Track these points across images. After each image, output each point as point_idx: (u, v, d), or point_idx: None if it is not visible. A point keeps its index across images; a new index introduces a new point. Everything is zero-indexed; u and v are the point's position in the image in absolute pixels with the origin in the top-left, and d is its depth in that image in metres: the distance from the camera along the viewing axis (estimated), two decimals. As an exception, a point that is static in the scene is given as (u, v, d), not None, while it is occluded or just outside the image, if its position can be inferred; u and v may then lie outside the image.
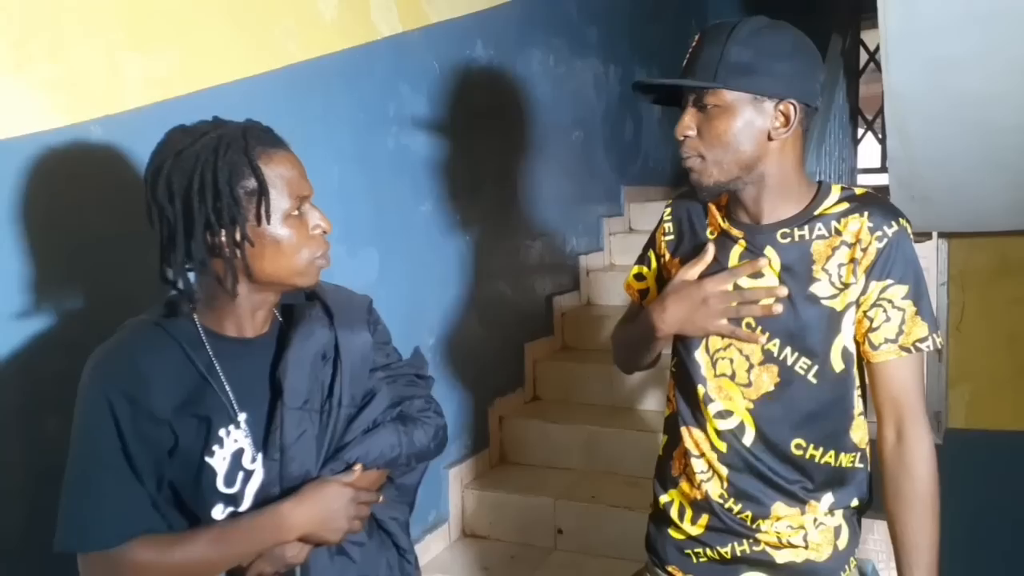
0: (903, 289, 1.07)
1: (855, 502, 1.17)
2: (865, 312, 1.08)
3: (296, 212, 1.01)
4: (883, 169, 4.01)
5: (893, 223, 1.07)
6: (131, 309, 1.40)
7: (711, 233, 1.21)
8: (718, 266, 1.16)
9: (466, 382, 2.71)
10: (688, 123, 1.10)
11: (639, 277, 1.36)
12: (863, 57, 4.12)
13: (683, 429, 1.21)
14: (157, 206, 0.97)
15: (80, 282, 1.38)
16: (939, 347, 1.09)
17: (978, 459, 3.73)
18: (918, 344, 1.07)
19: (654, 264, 1.34)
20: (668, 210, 1.31)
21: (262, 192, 0.97)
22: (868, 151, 4.65)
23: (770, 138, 1.08)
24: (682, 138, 1.11)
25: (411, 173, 2.40)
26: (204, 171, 0.96)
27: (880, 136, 4.17)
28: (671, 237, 1.28)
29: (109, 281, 1.42)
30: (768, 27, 1.07)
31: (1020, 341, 4.15)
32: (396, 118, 2.31)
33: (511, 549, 2.56)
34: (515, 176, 3.03)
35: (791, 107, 1.07)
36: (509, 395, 2.98)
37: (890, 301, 1.07)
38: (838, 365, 1.11)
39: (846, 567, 1.16)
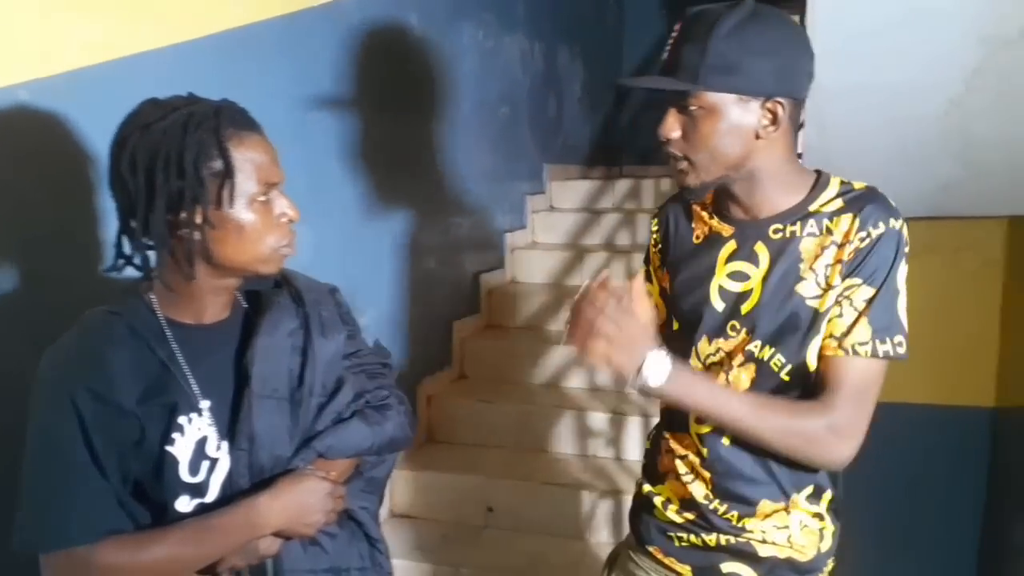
0: (868, 291, 1.02)
1: (829, 493, 1.17)
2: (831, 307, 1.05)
3: (263, 198, 0.98)
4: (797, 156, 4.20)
5: (881, 224, 1.02)
6: (64, 292, 1.31)
7: (696, 238, 1.18)
8: (707, 269, 1.14)
9: (395, 362, 2.67)
10: (671, 124, 1.05)
11: (649, 294, 1.27)
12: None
13: (667, 433, 1.21)
14: (119, 178, 0.94)
15: (8, 262, 1.26)
16: (888, 355, 1.02)
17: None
18: (857, 346, 1.02)
19: (656, 285, 1.27)
20: (655, 221, 1.27)
21: (228, 174, 0.94)
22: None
23: (758, 137, 1.03)
24: (665, 140, 1.07)
25: (346, 148, 2.32)
26: (170, 148, 0.92)
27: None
28: (658, 248, 1.25)
29: (38, 261, 1.31)
30: (751, 19, 1.01)
31: (911, 317, 4.44)
32: (331, 91, 2.22)
33: (442, 528, 2.57)
34: (446, 151, 2.98)
35: (779, 105, 1.02)
36: (437, 373, 2.96)
37: (850, 299, 1.03)
38: (812, 364, 1.08)
39: (826, 566, 1.18)
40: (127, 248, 0.97)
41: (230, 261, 0.98)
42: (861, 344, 1.02)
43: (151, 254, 0.97)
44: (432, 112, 2.86)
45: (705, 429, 1.14)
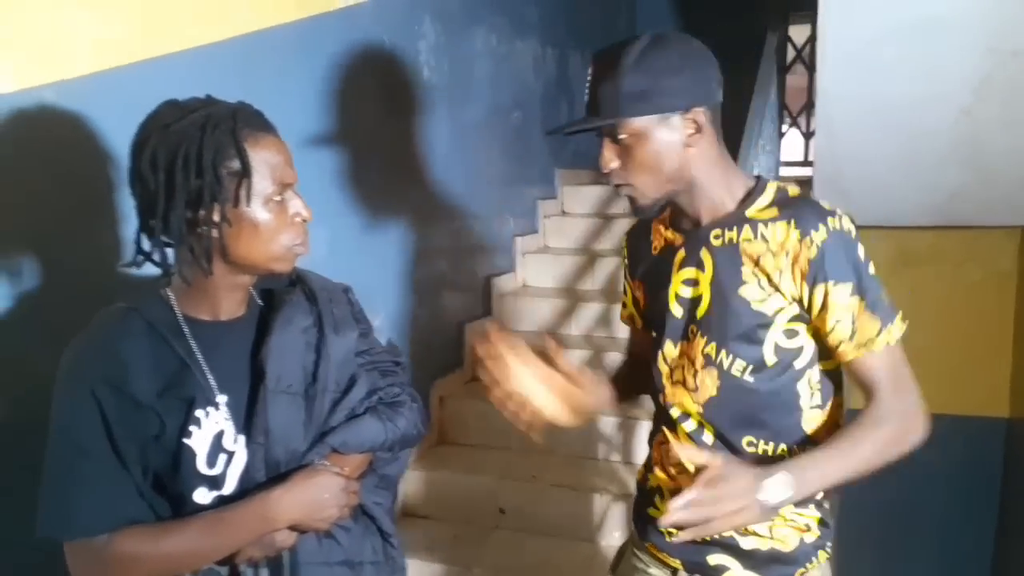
0: (846, 287, 1.07)
1: (819, 494, 1.19)
2: (816, 317, 1.09)
3: (278, 198, 1.01)
4: (806, 163, 4.21)
5: (820, 226, 1.06)
6: (84, 289, 1.35)
7: (655, 249, 1.25)
8: (665, 277, 1.20)
9: (406, 362, 2.70)
10: (609, 156, 1.13)
11: (624, 305, 1.41)
12: (790, 52, 4.29)
13: (662, 426, 1.28)
14: (139, 176, 0.97)
15: (30, 259, 1.30)
16: (898, 337, 1.09)
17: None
18: (871, 343, 1.07)
19: (630, 294, 1.37)
20: (625, 239, 1.36)
21: (245, 174, 0.97)
22: (788, 143, 4.84)
23: (688, 146, 1.11)
24: (607, 170, 1.14)
25: (360, 150, 2.36)
26: (189, 147, 0.95)
27: (803, 130, 4.38)
28: (627, 262, 1.35)
29: (58, 258, 1.34)
30: (652, 45, 1.09)
31: (913, 328, 4.43)
32: (347, 93, 2.26)
33: (453, 529, 2.59)
34: (459, 155, 3.01)
35: (698, 114, 1.10)
36: (449, 375, 2.99)
37: (836, 303, 1.07)
38: (771, 359, 1.13)
39: (813, 559, 1.20)
40: (146, 244, 1.01)
41: (245, 258, 1.01)
42: (873, 339, 1.08)
43: (169, 251, 1.00)
44: (445, 116, 2.90)
45: (691, 428, 1.21)
